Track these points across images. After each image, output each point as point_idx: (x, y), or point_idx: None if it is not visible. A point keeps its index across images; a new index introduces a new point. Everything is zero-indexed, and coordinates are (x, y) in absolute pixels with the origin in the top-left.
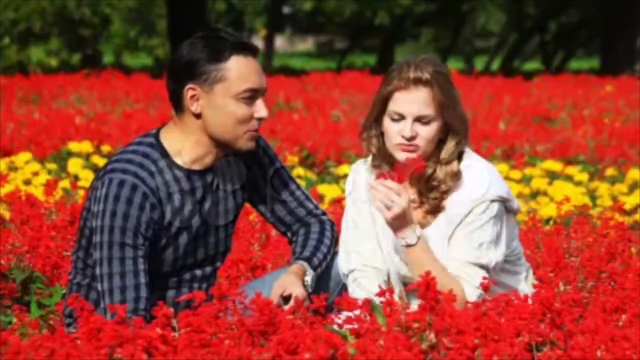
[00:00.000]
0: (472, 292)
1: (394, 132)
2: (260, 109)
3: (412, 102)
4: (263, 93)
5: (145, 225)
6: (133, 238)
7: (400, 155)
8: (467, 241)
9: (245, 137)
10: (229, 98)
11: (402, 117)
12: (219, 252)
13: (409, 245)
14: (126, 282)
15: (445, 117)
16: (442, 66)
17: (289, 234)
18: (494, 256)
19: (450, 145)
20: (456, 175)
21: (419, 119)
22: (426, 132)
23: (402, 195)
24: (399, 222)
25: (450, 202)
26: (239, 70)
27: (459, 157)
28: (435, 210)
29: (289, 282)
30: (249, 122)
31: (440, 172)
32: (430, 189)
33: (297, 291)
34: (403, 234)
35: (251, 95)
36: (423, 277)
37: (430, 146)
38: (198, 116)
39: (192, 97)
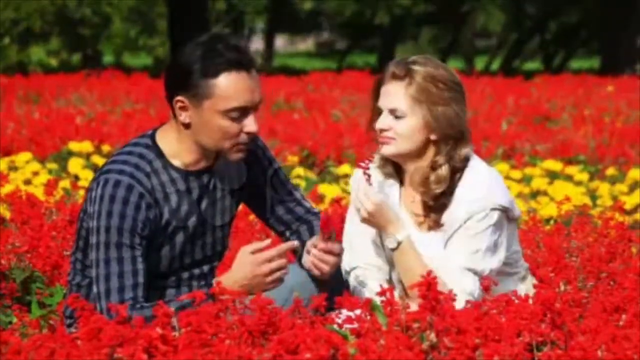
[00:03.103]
0: (460, 298)
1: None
2: (249, 124)
3: (386, 94)
4: (256, 108)
5: (141, 225)
6: (130, 237)
7: (380, 148)
8: (463, 246)
9: (232, 149)
10: (215, 113)
11: (382, 112)
12: (216, 252)
13: (392, 249)
14: (124, 282)
15: (423, 114)
16: (432, 66)
17: (287, 233)
18: (489, 264)
19: (437, 148)
20: (443, 182)
21: (392, 112)
22: (399, 127)
23: (371, 198)
24: (373, 224)
25: (451, 207)
26: (228, 88)
27: (465, 161)
28: (436, 225)
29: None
30: (237, 137)
31: (431, 175)
32: (423, 194)
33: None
34: (385, 236)
35: (240, 113)
36: (424, 277)
37: (409, 143)
38: (186, 126)
39: (181, 107)
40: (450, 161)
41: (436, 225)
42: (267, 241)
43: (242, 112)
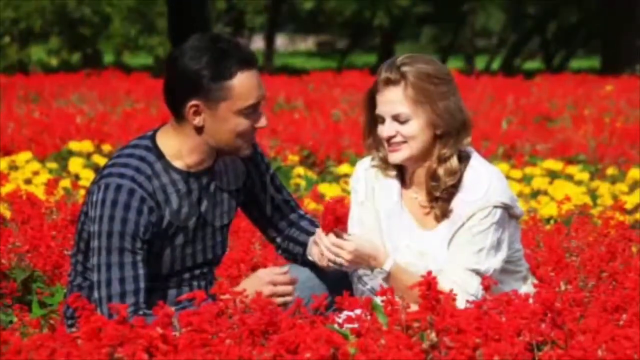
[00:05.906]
0: (464, 299)
1: (381, 136)
2: (260, 119)
3: (385, 102)
4: (263, 101)
5: (143, 229)
6: (132, 242)
7: (389, 157)
8: (467, 245)
9: (244, 146)
10: (232, 114)
11: (383, 119)
12: (215, 253)
13: (383, 279)
14: (125, 288)
15: (426, 114)
16: (421, 63)
17: (279, 240)
18: (493, 263)
19: (444, 142)
20: (456, 173)
21: (396, 118)
22: (406, 130)
23: (345, 248)
24: (357, 266)
25: (453, 204)
26: (243, 87)
27: (466, 158)
28: (444, 215)
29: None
30: (250, 133)
31: (440, 169)
32: (434, 188)
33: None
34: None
35: (253, 109)
36: (424, 277)
37: (418, 144)
38: (199, 129)
39: (195, 112)
40: (457, 152)
41: (443, 215)
42: (285, 268)
43: (255, 108)
